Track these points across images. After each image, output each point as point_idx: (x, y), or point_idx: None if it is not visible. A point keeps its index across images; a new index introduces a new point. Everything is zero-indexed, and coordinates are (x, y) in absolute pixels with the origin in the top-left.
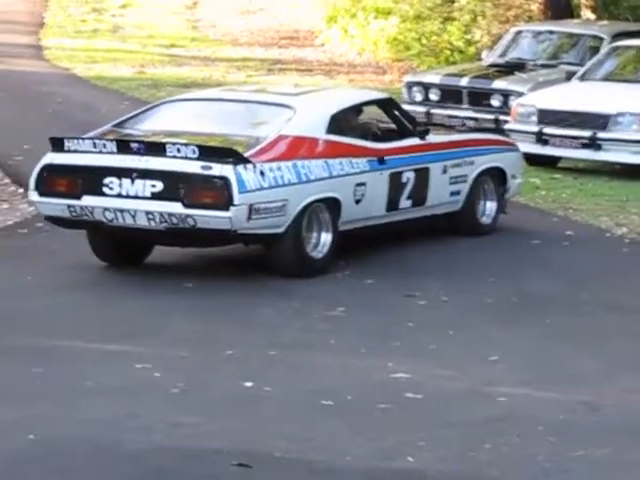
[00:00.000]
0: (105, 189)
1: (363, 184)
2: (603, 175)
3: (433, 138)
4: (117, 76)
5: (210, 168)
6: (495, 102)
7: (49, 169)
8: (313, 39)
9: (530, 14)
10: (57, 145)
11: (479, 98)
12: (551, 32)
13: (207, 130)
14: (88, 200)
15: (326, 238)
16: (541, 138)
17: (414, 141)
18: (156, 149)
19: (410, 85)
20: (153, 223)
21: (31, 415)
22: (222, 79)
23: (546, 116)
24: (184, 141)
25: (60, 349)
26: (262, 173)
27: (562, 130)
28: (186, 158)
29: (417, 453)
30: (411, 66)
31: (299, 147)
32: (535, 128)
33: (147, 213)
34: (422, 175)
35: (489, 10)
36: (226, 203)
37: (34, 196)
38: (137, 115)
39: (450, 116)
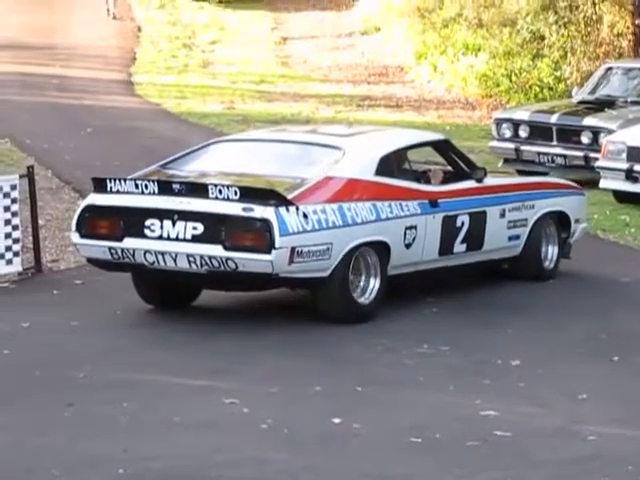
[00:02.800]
0: (146, 231)
1: (414, 227)
2: None
3: (490, 181)
4: (207, 112)
5: (252, 210)
6: (585, 139)
7: (90, 210)
8: (402, 75)
9: (620, 51)
10: (99, 186)
11: (569, 135)
12: None
13: (253, 171)
14: (129, 242)
15: (374, 283)
16: (631, 175)
17: (470, 184)
18: (198, 190)
19: (499, 122)
20: (194, 266)
21: (121, 449)
22: (311, 115)
23: (636, 153)
24: (226, 182)
25: (149, 384)
26: (305, 215)
27: None
28: (227, 200)
29: None
30: (500, 102)
31: (346, 189)
32: (625, 165)
33: (188, 256)
34: (478, 219)
35: (579, 47)
36: (267, 246)
37: (75, 237)
38: (185, 155)
39: (539, 153)
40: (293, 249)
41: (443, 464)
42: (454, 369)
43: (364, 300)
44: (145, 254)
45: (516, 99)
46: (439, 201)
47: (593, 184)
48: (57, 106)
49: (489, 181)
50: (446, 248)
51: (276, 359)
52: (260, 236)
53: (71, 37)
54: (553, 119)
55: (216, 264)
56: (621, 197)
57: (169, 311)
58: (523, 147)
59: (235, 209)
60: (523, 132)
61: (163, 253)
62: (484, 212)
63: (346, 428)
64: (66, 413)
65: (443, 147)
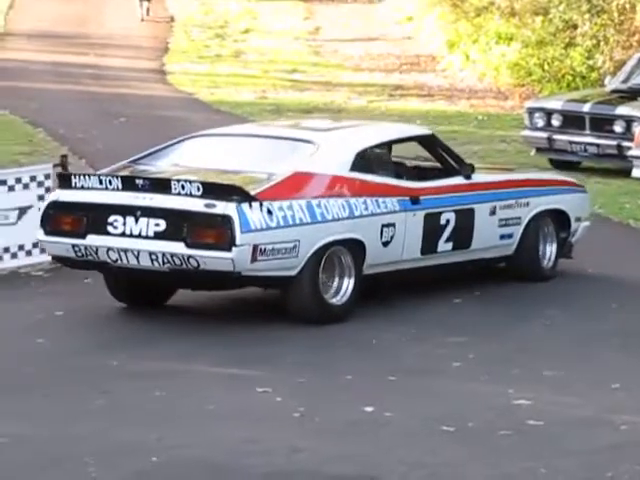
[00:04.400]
0: (109, 228)
1: (392, 225)
2: None
3: (480, 177)
4: (239, 101)
5: (214, 206)
6: (618, 128)
7: (55, 206)
8: (434, 64)
9: None
10: (64, 181)
11: (602, 124)
12: None
13: (224, 167)
14: (92, 239)
15: (348, 283)
16: None
17: (457, 180)
18: (161, 186)
19: (532, 111)
20: (156, 264)
21: (154, 438)
22: (343, 105)
23: None
24: (190, 178)
25: (181, 373)
26: (270, 212)
27: None
28: (190, 195)
29: None
30: (533, 91)
31: (316, 185)
32: None
33: (150, 253)
34: (465, 216)
35: (612, 36)
36: (228, 243)
37: (40, 235)
38: (158, 151)
39: (572, 142)
40: (256, 246)
41: (475, 453)
42: (485, 358)
43: (337, 301)
44: (108, 251)
45: (548, 88)
46: (421, 198)
47: (626, 173)
48: (91, 95)
49: (478, 177)
50: (429, 247)
51: (306, 348)
52: (221, 233)
53: (105, 27)
54: (586, 108)
55: (178, 262)
56: None
57: (200, 301)
58: (556, 136)
59: (197, 205)
60: (556, 121)
61: (126, 250)
62: (472, 209)
63: (378, 416)
64: (100, 401)
65: (429, 142)
